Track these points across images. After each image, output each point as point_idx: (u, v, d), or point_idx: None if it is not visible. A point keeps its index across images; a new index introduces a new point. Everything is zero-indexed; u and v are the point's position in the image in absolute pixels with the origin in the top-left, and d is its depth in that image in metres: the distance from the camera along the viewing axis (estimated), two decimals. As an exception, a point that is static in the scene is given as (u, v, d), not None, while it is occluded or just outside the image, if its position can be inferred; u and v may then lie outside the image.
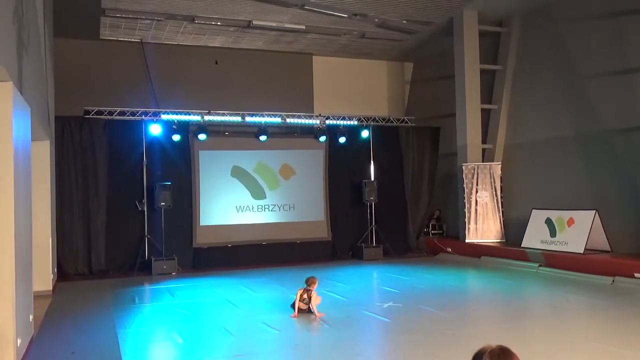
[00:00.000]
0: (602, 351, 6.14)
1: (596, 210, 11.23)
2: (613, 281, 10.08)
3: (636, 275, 9.79)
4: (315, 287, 8.18)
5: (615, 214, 11.26)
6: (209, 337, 7.23)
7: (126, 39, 14.57)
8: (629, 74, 11.04)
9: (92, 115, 12.76)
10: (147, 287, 11.20)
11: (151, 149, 13.20)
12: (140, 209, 12.96)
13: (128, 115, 13.12)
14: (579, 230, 11.39)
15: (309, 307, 8.10)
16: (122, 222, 12.87)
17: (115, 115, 12.96)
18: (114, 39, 14.45)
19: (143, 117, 13.18)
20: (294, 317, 8.06)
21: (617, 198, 11.35)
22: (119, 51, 14.68)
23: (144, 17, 13.03)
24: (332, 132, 14.77)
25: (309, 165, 14.89)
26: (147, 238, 12.96)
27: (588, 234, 11.13)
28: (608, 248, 11.16)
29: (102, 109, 12.89)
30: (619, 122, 11.38)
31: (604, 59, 11.77)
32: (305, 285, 8.18)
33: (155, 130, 13.04)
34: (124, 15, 12.91)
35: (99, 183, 12.71)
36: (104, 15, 12.85)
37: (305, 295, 8.09)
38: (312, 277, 8.30)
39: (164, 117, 13.25)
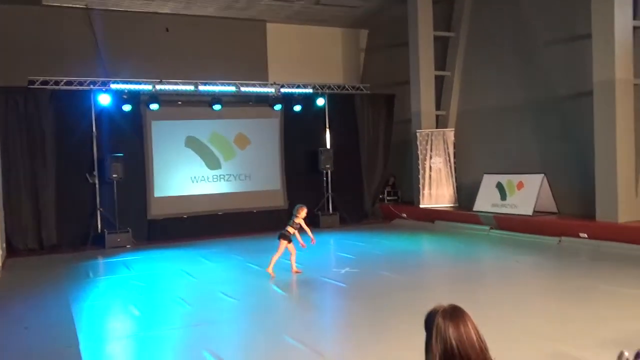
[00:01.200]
0: (549, 308, 6.41)
1: (544, 173, 11.59)
2: (560, 241, 10.48)
3: (581, 235, 10.21)
4: (304, 214, 8.62)
5: (562, 177, 11.64)
6: (165, 308, 7.20)
7: (70, 5, 13.95)
8: (577, 41, 11.28)
9: (37, 85, 12.26)
10: (101, 261, 11.02)
11: (101, 120, 12.81)
12: (91, 181, 12.64)
13: (75, 85, 12.66)
14: (527, 193, 11.75)
15: (296, 231, 8.60)
16: (73, 195, 12.53)
17: (62, 85, 12.49)
18: (57, 4, 13.82)
19: (91, 86, 12.74)
20: (272, 276, 8.43)
21: (564, 162, 11.72)
22: (64, 18, 14.03)
23: (88, -19, 12.50)
24: (287, 101, 14.66)
25: (265, 134, 14.77)
26: (100, 211, 12.69)
27: (536, 197, 11.49)
28: (555, 210, 11.57)
29: (47, 78, 12.39)
30: (567, 88, 11.67)
31: (554, 26, 11.98)
32: (294, 216, 8.62)
33: (104, 100, 12.64)
34: (66, -20, 12.35)
35: (47, 156, 12.29)
36: (46, -21, 12.27)
37: (295, 221, 8.57)
38: (300, 206, 8.72)
39: (114, 86, 12.84)
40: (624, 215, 9.87)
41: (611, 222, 9.90)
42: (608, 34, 9.80)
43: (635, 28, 10.02)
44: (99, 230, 12.62)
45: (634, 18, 10.02)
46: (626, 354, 2.35)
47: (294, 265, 8.76)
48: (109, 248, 12.15)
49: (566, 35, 11.62)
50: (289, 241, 8.59)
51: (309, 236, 8.69)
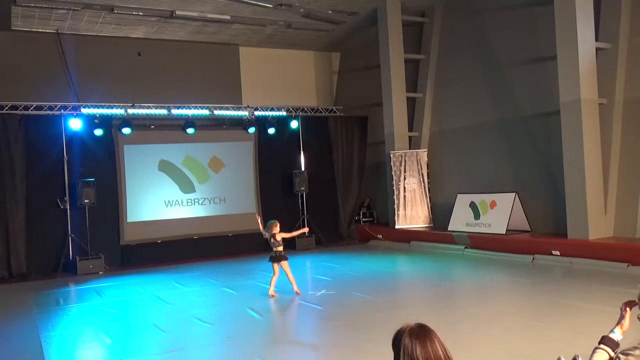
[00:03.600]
0: (523, 325, 6.46)
1: (516, 192, 11.77)
2: (533, 259, 10.61)
3: (553, 252, 10.35)
4: (277, 229, 8.76)
5: (534, 195, 11.83)
6: (138, 335, 7.06)
7: (41, 30, 13.85)
8: (543, 62, 11.57)
9: (6, 110, 12.10)
10: (73, 288, 10.79)
11: (72, 145, 12.68)
12: (62, 207, 12.44)
13: (45, 110, 12.52)
14: (500, 212, 11.90)
15: (282, 246, 8.74)
16: (43, 221, 12.31)
17: (32, 110, 12.34)
18: (27, 29, 13.70)
19: (62, 111, 12.62)
20: (274, 295, 8.60)
21: (535, 180, 11.92)
22: (34, 42, 13.91)
23: (58, 6, 12.43)
24: (261, 123, 14.70)
25: (239, 157, 14.75)
26: (71, 237, 12.46)
27: (509, 216, 11.65)
28: (528, 228, 11.73)
29: (17, 103, 12.24)
30: (535, 107, 11.93)
31: (520, 47, 12.28)
32: (269, 233, 8.75)
33: (75, 125, 12.51)
34: (36, 5, 12.26)
35: (17, 182, 12.07)
36: (15, 4, 12.15)
37: (273, 240, 8.68)
38: (272, 222, 8.85)
39: (85, 111, 12.74)
40: (594, 233, 10.05)
41: (582, 239, 10.07)
42: (572, 55, 10.07)
43: (598, 49, 10.33)
44: (71, 257, 12.38)
45: (597, 40, 10.34)
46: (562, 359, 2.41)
47: (294, 283, 8.85)
48: (81, 275, 11.92)
49: (532, 56, 11.91)
50: (278, 261, 8.68)
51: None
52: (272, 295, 8.66)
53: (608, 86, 10.37)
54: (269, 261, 8.81)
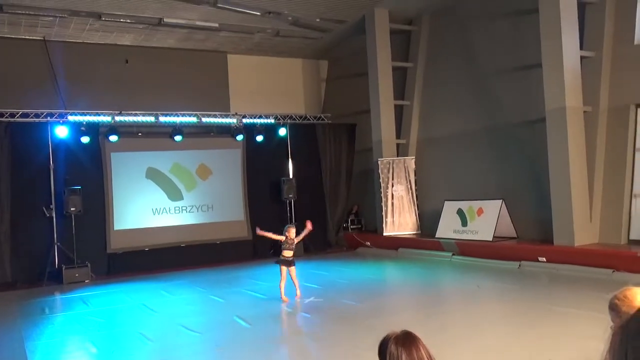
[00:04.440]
0: (510, 331, 6.49)
1: (503, 199, 11.85)
2: (519, 265, 10.67)
3: (540, 259, 10.43)
4: (293, 234, 8.91)
5: (520, 202, 11.92)
6: (125, 344, 7.00)
7: (27, 37, 13.77)
8: (529, 69, 11.70)
9: (-8, 117, 11.99)
10: (58, 297, 10.68)
11: (58, 152, 12.58)
12: (48, 215, 12.33)
13: (32, 117, 12.43)
14: (487, 219, 11.97)
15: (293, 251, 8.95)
16: (29, 230, 12.18)
17: (18, 117, 12.25)
18: (14, 36, 13.62)
19: (48, 118, 12.53)
20: (285, 300, 8.71)
21: (522, 187, 12.01)
22: (21, 49, 13.81)
23: (45, 13, 12.37)
24: (249, 131, 14.69)
25: (227, 165, 14.72)
26: (57, 245, 12.35)
27: (496, 222, 11.72)
28: (514, 235, 11.81)
29: (3, 110, 12.14)
30: (521, 115, 12.04)
31: (506, 55, 12.41)
32: (285, 234, 8.90)
33: (61, 132, 12.43)
34: (23, 12, 12.20)
35: (2, 189, 11.94)
36: (1, 11, 12.08)
37: (289, 244, 8.85)
38: (289, 226, 9.16)
39: (72, 118, 12.66)
40: (580, 239, 10.14)
41: (568, 246, 10.15)
42: (557, 63, 10.20)
43: (582, 58, 10.46)
44: (56, 266, 12.26)
45: (581, 48, 10.47)
46: None
47: (298, 289, 9.00)
48: (67, 283, 11.81)
49: (518, 64, 12.04)
50: (288, 265, 8.84)
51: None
52: (285, 301, 8.75)
53: (593, 94, 10.50)
54: (277, 263, 8.98)
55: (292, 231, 8.94)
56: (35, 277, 11.99)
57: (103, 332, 7.66)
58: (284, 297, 8.79)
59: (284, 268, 8.83)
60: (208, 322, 7.90)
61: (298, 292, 8.97)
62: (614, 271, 9.13)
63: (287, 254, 8.85)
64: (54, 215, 12.35)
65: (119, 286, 11.32)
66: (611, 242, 10.21)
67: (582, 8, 10.54)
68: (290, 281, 8.91)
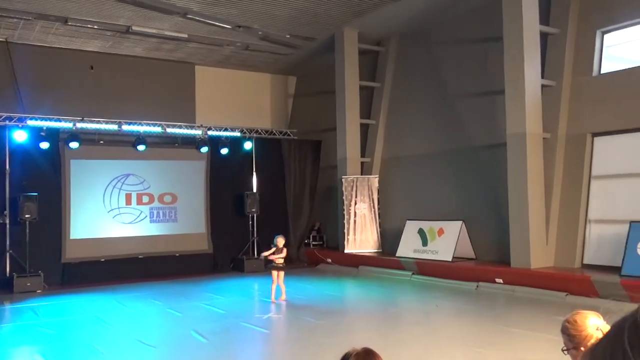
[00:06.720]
0: (467, 352, 6.56)
1: (463, 220, 12.04)
2: (477, 286, 10.83)
3: (497, 280, 10.60)
4: (282, 243, 10.01)
5: (480, 224, 12.13)
6: (76, 357, 6.80)
7: (-12, 38, 13.43)
8: (492, 95, 11.99)
9: (-54, 118, 11.61)
10: (7, 307, 10.31)
11: (15, 157, 12.23)
12: (1, 221, 11.94)
13: (-11, 120, 12.07)
14: (448, 240, 12.13)
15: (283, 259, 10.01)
16: (-20, 236, 11.77)
17: (-26, 120, 11.89)
18: (-26, 36, 13.27)
19: (7, 122, 12.20)
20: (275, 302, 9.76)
21: (482, 210, 12.24)
22: (-20, 50, 13.47)
23: (10, 15, 12.09)
24: (214, 143, 14.59)
25: (190, 176, 14.56)
26: (9, 253, 11.96)
27: (456, 243, 11.88)
28: (473, 256, 11.99)
29: (-42, 112, 11.76)
30: (483, 139, 12.31)
31: (471, 80, 12.70)
32: (275, 243, 9.99)
33: (20, 137, 12.10)
34: (-14, 12, 11.91)
35: (-47, 193, 11.55)
36: (-37, 10, 11.77)
37: (280, 252, 9.93)
38: (278, 235, 10.14)
39: (31, 122, 12.35)
40: (536, 262, 10.37)
41: (524, 268, 10.36)
42: (519, 90, 10.48)
43: (543, 86, 10.78)
44: (7, 274, 11.86)
45: (542, 77, 10.80)
46: None
47: (283, 293, 9.95)
48: (18, 293, 11.41)
49: (482, 89, 12.33)
50: (278, 270, 9.87)
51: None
52: (274, 302, 9.77)
53: (552, 122, 10.82)
54: (269, 269, 10.24)
55: (280, 241, 9.96)
56: (-16, 286, 11.56)
57: (53, 344, 7.41)
58: (273, 299, 9.81)
59: (274, 273, 9.87)
60: (164, 336, 7.75)
61: (283, 296, 9.90)
62: (567, 294, 9.35)
63: (278, 260, 9.87)
64: (7, 221, 11.97)
65: (73, 297, 11.01)
66: (566, 266, 10.46)
67: (544, 38, 10.89)
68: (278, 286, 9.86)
